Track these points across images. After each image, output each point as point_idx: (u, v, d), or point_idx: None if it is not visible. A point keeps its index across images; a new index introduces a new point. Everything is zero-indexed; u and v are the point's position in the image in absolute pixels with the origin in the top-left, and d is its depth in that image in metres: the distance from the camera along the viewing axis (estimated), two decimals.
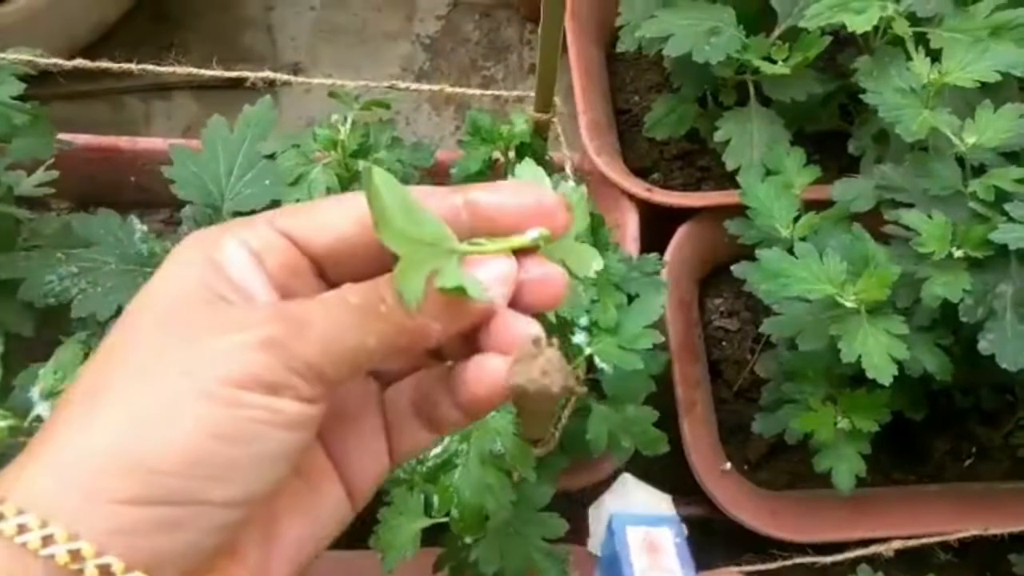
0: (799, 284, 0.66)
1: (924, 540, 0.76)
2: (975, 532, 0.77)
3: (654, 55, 1.07)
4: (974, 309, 0.66)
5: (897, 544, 0.76)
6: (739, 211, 0.87)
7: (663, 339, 0.74)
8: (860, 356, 0.64)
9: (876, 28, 0.80)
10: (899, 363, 0.65)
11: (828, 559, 0.74)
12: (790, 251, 0.71)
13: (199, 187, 0.74)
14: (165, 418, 0.26)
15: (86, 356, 0.62)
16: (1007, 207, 0.65)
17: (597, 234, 0.75)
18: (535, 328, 0.30)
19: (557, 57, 0.67)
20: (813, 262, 0.66)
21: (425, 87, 0.70)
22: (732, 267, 0.85)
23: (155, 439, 0.26)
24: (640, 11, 0.91)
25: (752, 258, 0.82)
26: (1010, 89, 0.77)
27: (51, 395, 0.59)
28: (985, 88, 0.71)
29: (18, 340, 0.73)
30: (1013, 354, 0.67)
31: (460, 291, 0.29)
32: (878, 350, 0.63)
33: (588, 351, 0.68)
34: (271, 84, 1.03)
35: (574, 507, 0.97)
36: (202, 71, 0.73)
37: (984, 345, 0.66)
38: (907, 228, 0.70)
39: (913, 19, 0.81)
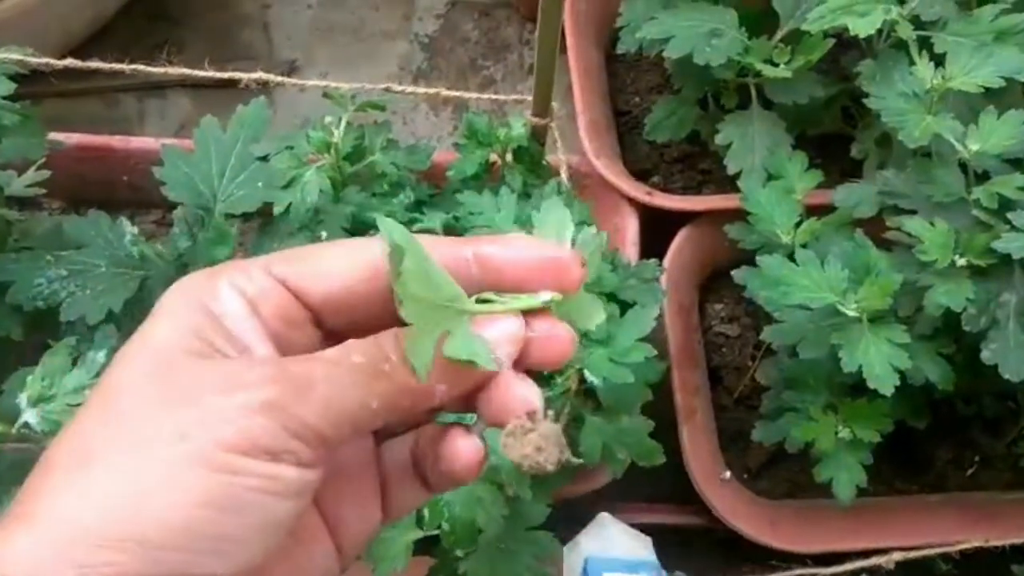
0: (800, 292, 0.64)
1: (925, 552, 0.75)
2: (976, 544, 0.76)
3: (654, 56, 1.06)
4: (977, 318, 0.64)
5: (898, 556, 0.75)
6: (740, 215, 0.86)
7: (655, 352, 0.73)
8: (861, 366, 0.63)
9: (879, 32, 0.79)
10: (901, 373, 0.63)
11: (828, 571, 0.73)
12: (791, 257, 0.70)
13: (190, 188, 0.73)
14: (161, 488, 0.25)
15: (75, 362, 0.61)
16: (1011, 215, 0.64)
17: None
18: (534, 395, 0.29)
19: (555, 62, 0.66)
20: (814, 269, 0.65)
21: (421, 90, 0.69)
22: (732, 272, 0.84)
23: (151, 511, 0.25)
24: (641, 12, 0.90)
25: (753, 263, 0.81)
26: (1014, 95, 0.76)
27: (39, 402, 0.58)
28: (989, 93, 0.70)
29: (7, 344, 0.72)
30: (1016, 364, 0.66)
31: (470, 361, 0.28)
32: (879, 360, 0.62)
33: (579, 363, 0.67)
34: (266, 84, 1.02)
35: (574, 512, 0.96)
36: (195, 71, 0.71)
37: (987, 355, 0.65)
38: (909, 235, 0.69)
39: (917, 23, 0.79)
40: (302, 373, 0.27)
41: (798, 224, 0.75)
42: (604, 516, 0.46)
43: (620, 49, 0.92)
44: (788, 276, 0.65)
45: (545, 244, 0.31)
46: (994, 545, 0.79)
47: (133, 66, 0.70)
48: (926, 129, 0.66)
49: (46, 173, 0.82)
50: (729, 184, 1.00)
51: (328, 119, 0.68)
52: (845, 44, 0.97)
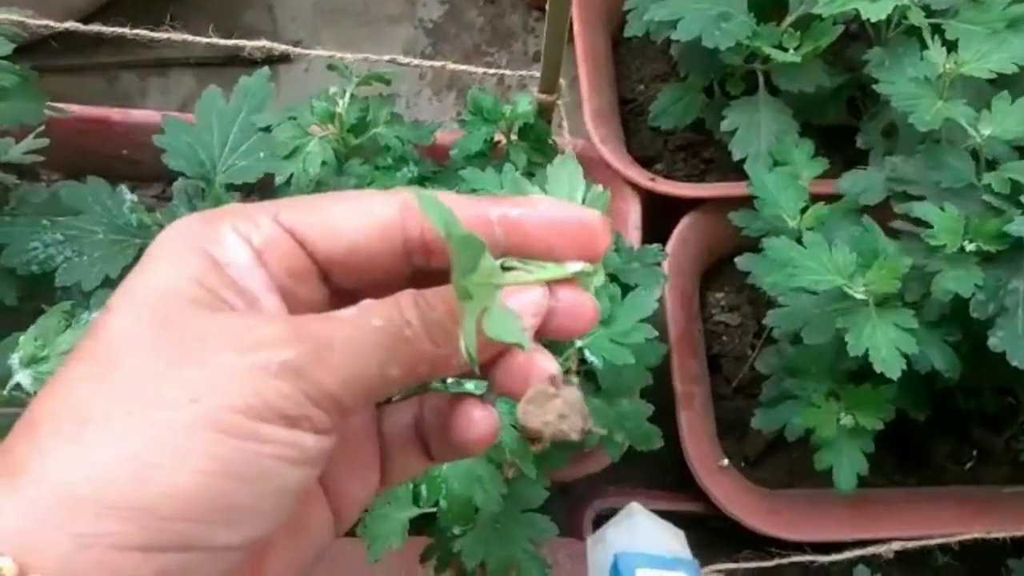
0: (807, 274, 0.64)
1: (924, 542, 0.75)
2: (977, 535, 0.76)
3: (661, 44, 1.06)
4: (985, 305, 0.64)
5: (897, 545, 0.74)
6: (744, 203, 0.86)
7: (656, 334, 0.72)
8: (868, 349, 0.62)
9: (889, 19, 0.78)
10: (906, 358, 0.63)
11: (826, 558, 0.72)
12: (798, 242, 0.69)
13: (191, 158, 0.72)
14: (169, 454, 0.23)
15: (68, 326, 0.60)
16: (1023, 200, 0.63)
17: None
18: (553, 366, 0.28)
19: (565, 35, 0.65)
20: (822, 252, 0.64)
21: (427, 63, 0.68)
22: (736, 259, 0.83)
23: (158, 479, 0.23)
24: None
25: (756, 251, 0.80)
26: None
27: (31, 363, 0.57)
28: (1001, 81, 0.70)
29: (2, 312, 0.71)
30: None
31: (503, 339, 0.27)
32: (886, 343, 0.61)
33: (579, 343, 0.66)
34: (269, 62, 1.01)
35: (567, 499, 0.96)
36: (199, 38, 0.70)
37: (994, 342, 0.65)
38: (918, 222, 0.68)
39: (928, 11, 0.79)
40: (321, 334, 0.25)
41: (804, 209, 0.75)
42: (634, 506, 0.43)
43: (628, 33, 0.91)
44: (795, 258, 0.64)
45: (572, 208, 0.29)
46: (994, 537, 0.78)
47: (136, 31, 0.69)
48: (938, 114, 0.66)
49: (44, 141, 0.81)
50: (733, 173, 1.00)
51: (333, 90, 0.67)
52: (851, 36, 0.97)
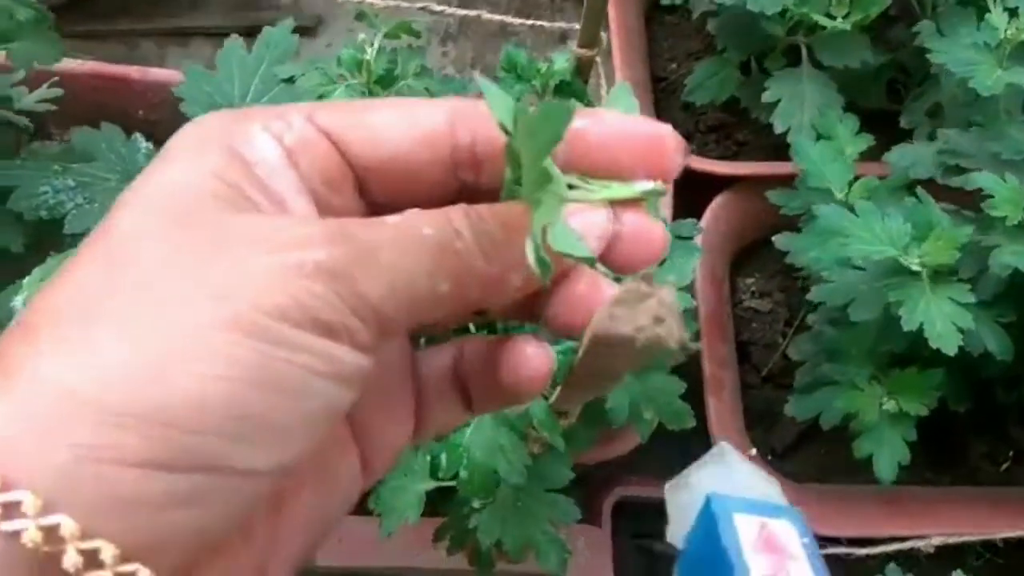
0: (858, 245, 0.60)
1: (965, 538, 0.71)
2: (1020, 533, 0.72)
3: (696, 20, 1.03)
4: None
5: (937, 540, 0.70)
6: (781, 184, 0.82)
7: (694, 303, 0.69)
8: (922, 324, 0.58)
9: None
10: (962, 334, 0.59)
11: (863, 551, 0.69)
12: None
13: (211, 107, 0.68)
14: (191, 356, 0.20)
15: None
16: None
17: None
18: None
19: None
20: (875, 221, 0.60)
21: (460, 11, 0.64)
22: (774, 238, 0.80)
23: (178, 382, 0.20)
24: None
25: (793, 231, 0.77)
26: None
27: None
28: None
29: (7, 257, 0.68)
30: None
31: (567, 254, 0.23)
32: (942, 318, 0.58)
33: None
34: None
35: (585, 486, 0.92)
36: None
37: None
38: (971, 196, 0.64)
39: None
40: (365, 235, 0.22)
41: (851, 183, 0.71)
42: (724, 446, 0.37)
43: (665, 1, 0.88)
44: (847, 227, 0.60)
45: (641, 120, 0.26)
46: None
47: None
48: (999, 80, 0.62)
49: (59, 91, 0.79)
50: (767, 155, 0.97)
51: (361, 36, 0.64)
52: (890, 18, 0.94)
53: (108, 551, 0.19)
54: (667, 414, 0.70)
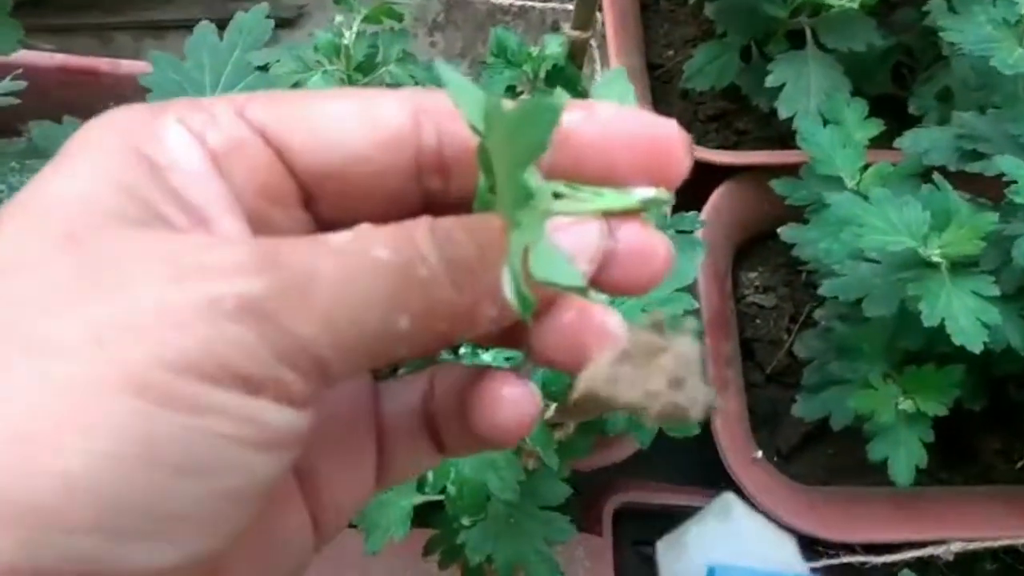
0: (874, 235, 0.56)
1: (987, 544, 0.67)
2: None
3: (693, 5, 0.99)
4: None
5: (957, 547, 0.66)
6: (785, 173, 0.79)
7: (696, 305, 0.65)
8: (943, 320, 0.54)
9: None
10: (987, 330, 0.55)
11: (879, 559, 0.65)
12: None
13: (178, 98, 0.64)
14: (64, 427, 0.15)
15: None
16: None
17: None
18: (618, 321, 0.20)
19: None
20: (891, 210, 0.56)
21: None
22: (780, 230, 0.76)
23: (44, 466, 0.15)
24: None
25: (799, 223, 0.73)
26: None
27: None
28: None
29: None
30: None
31: (550, 281, 0.19)
32: (965, 312, 0.54)
33: None
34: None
35: (583, 490, 0.88)
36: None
37: None
38: (990, 183, 0.61)
39: None
40: (302, 262, 0.17)
41: (863, 169, 0.67)
42: (728, 498, 0.32)
43: None
44: (861, 216, 0.56)
45: (642, 116, 0.21)
46: None
47: None
48: (1021, 58, 0.58)
49: (22, 84, 0.75)
50: (767, 146, 0.93)
51: (339, 19, 0.60)
52: (892, 4, 0.90)
53: None
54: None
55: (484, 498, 0.62)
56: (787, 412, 0.82)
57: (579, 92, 0.66)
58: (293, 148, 0.20)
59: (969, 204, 0.61)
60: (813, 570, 0.63)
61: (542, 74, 0.65)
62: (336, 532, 0.23)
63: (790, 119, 0.80)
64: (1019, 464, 0.89)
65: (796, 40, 0.86)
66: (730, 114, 0.97)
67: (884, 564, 0.66)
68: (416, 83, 0.62)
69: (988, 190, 0.65)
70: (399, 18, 0.65)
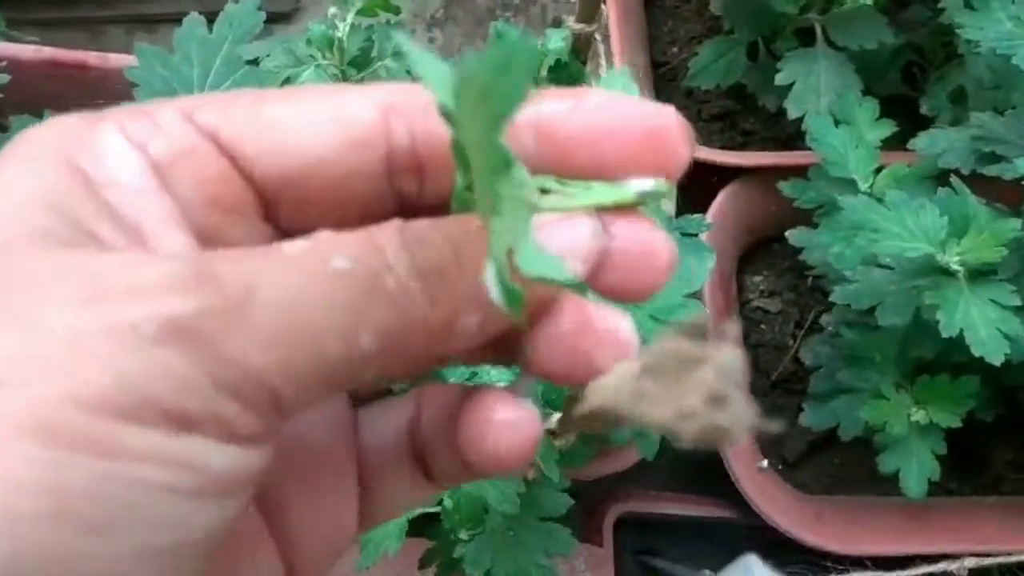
0: (889, 240, 0.54)
1: (1002, 560, 0.65)
2: None
3: (697, 1, 0.96)
4: None
5: (971, 563, 0.64)
6: (793, 174, 0.76)
7: (707, 314, 0.62)
8: (962, 330, 0.52)
9: None
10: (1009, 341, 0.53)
11: (891, 575, 0.62)
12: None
13: (167, 93, 0.62)
14: None
15: None
16: None
17: None
18: (627, 323, 0.18)
19: None
20: (908, 215, 0.54)
21: None
22: (787, 233, 0.74)
23: None
24: None
25: (808, 226, 0.71)
26: None
27: None
28: None
29: None
30: None
31: (542, 279, 0.16)
32: (985, 323, 0.51)
33: None
34: (266, 20, 0.92)
35: (584, 499, 0.86)
36: None
37: None
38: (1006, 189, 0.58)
39: None
40: (243, 274, 0.15)
41: (876, 171, 0.65)
42: (751, 560, 0.30)
43: None
44: (876, 221, 0.54)
45: (636, 103, 0.19)
46: None
47: None
48: None
49: (5, 77, 0.72)
50: (773, 146, 0.91)
51: (332, 10, 0.57)
52: (903, 2, 0.88)
53: None
54: None
55: (482, 511, 0.60)
56: (793, 420, 0.80)
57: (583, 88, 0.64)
58: (248, 154, 0.18)
59: (987, 209, 0.59)
60: None
61: (544, 70, 0.62)
62: None
63: (798, 119, 0.78)
64: None
65: (804, 37, 0.84)
66: (735, 113, 0.95)
67: None
68: (413, 80, 0.60)
69: (1005, 194, 0.62)
70: (396, 10, 0.62)
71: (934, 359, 0.63)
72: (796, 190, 0.74)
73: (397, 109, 0.18)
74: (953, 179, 0.59)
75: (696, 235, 0.71)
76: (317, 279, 0.16)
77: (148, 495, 0.14)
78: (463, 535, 0.59)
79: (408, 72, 0.60)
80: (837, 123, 0.71)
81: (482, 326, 0.17)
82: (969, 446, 0.85)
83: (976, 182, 0.64)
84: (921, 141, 0.66)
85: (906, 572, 0.63)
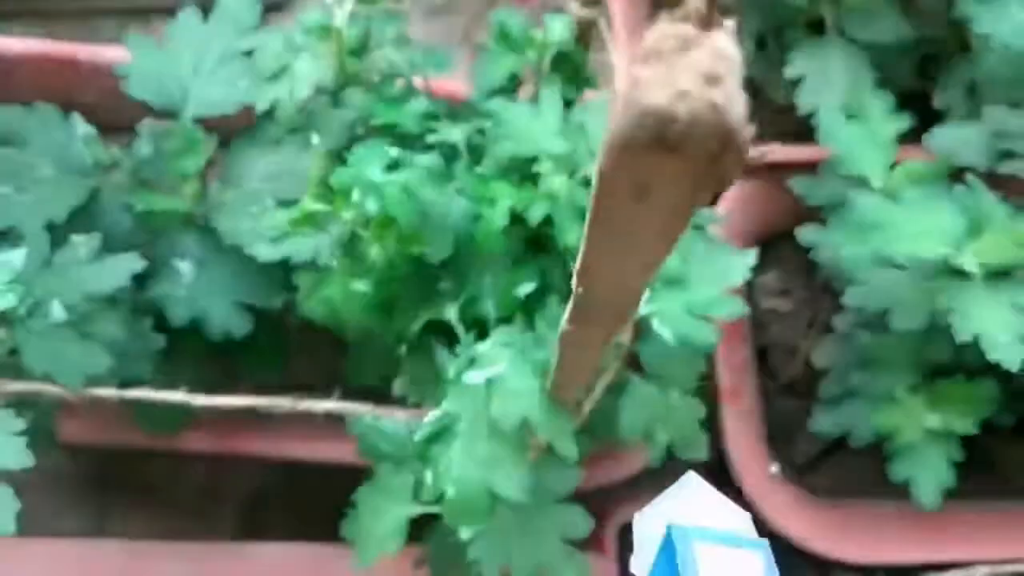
0: (904, 241, 0.52)
1: (1018, 568, 0.63)
2: None
3: None
4: None
5: (985, 571, 0.62)
6: (804, 170, 0.74)
7: (745, 309, 0.59)
8: (979, 335, 0.50)
9: None
10: None
11: None
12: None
13: (157, 85, 0.60)
14: None
15: None
16: None
17: None
18: None
19: None
20: (924, 214, 0.52)
21: None
22: (797, 230, 0.71)
23: None
24: None
25: (820, 222, 0.69)
26: None
27: None
28: None
29: None
30: None
31: None
32: (1004, 327, 0.49)
33: (644, 310, 0.53)
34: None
35: (589, 509, 0.84)
36: None
37: None
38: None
39: None
40: None
41: (891, 167, 0.62)
42: (691, 476, 0.33)
43: None
44: (891, 220, 0.52)
45: None
46: None
47: None
48: None
49: None
50: (783, 140, 0.88)
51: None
52: None
53: None
54: (680, 438, 0.61)
55: (489, 504, 0.55)
56: (803, 423, 0.78)
57: (585, 78, 0.62)
58: None
59: (1005, 208, 0.57)
60: None
61: (547, 60, 0.60)
62: None
63: (807, 113, 0.75)
64: None
65: (814, 29, 0.82)
66: None
67: None
68: (413, 67, 0.58)
69: (1022, 193, 0.60)
70: None
71: (950, 362, 0.61)
72: (806, 187, 0.72)
73: None
74: (969, 177, 0.57)
75: (703, 227, 0.69)
76: None
77: None
78: (464, 534, 0.56)
79: (411, 64, 0.58)
80: (849, 118, 0.69)
81: None
82: (980, 448, 0.83)
83: (991, 179, 0.62)
84: (936, 137, 0.64)
85: None
